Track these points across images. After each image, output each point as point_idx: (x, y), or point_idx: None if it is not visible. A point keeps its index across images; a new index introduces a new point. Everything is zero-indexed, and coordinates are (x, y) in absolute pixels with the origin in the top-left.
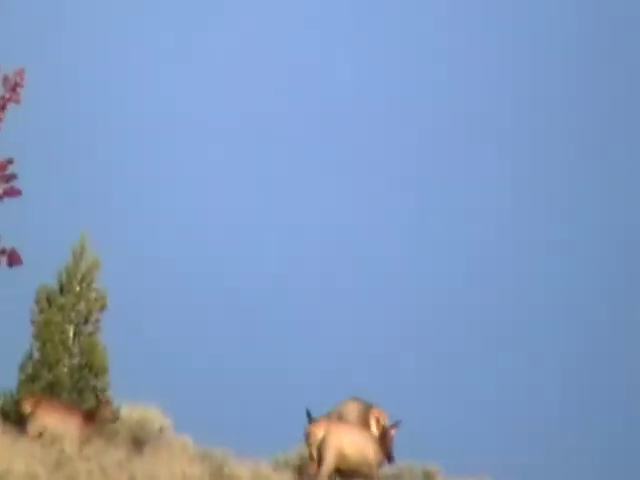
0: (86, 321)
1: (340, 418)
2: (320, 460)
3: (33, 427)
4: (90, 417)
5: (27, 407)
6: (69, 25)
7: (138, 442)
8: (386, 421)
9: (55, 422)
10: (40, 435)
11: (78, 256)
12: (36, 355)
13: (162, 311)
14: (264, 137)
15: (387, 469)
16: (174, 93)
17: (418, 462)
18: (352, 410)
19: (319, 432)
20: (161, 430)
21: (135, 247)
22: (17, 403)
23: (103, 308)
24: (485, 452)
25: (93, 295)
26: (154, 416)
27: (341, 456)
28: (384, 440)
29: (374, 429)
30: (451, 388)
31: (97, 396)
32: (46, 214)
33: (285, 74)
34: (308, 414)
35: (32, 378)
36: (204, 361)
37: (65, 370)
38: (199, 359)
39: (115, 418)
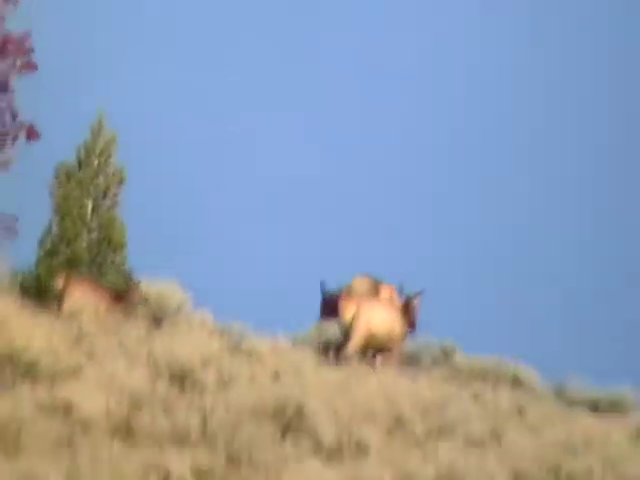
0: (104, 196)
1: (350, 293)
2: (348, 337)
3: (65, 304)
4: (119, 297)
5: (59, 284)
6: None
7: (157, 318)
8: (395, 296)
9: (85, 300)
10: (72, 312)
11: (96, 132)
12: (55, 230)
13: (179, 185)
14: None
15: (406, 347)
16: None
17: (436, 339)
18: (362, 285)
19: (350, 308)
20: (179, 307)
21: (152, 123)
22: (37, 278)
23: (121, 182)
24: (501, 329)
25: (111, 170)
26: (173, 292)
27: (370, 334)
28: (408, 311)
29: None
30: (468, 264)
31: (126, 278)
32: (63, 90)
33: None
34: (322, 288)
35: (51, 253)
36: (220, 236)
37: (84, 245)
38: (215, 234)
39: (144, 301)
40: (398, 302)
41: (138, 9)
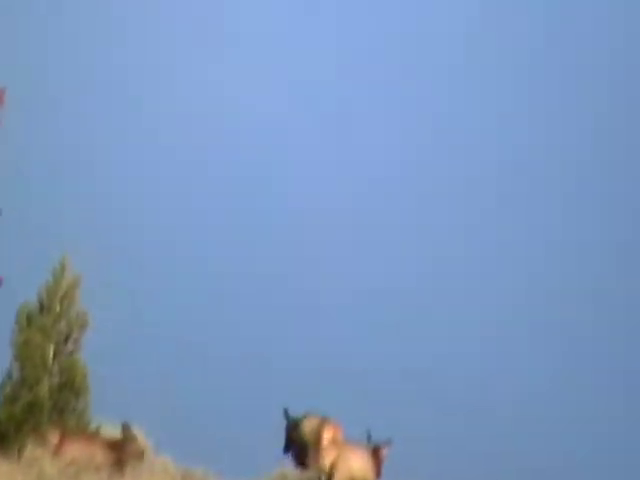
0: (66, 340)
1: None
2: None
3: (62, 459)
4: (114, 448)
5: (53, 440)
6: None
7: (119, 463)
8: (340, 436)
9: (81, 453)
10: (68, 465)
11: (58, 275)
12: (16, 375)
13: (144, 332)
14: None
15: None
16: None
17: None
18: (310, 424)
19: (330, 455)
20: (142, 453)
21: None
22: None
23: (84, 327)
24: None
25: (73, 314)
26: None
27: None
28: (376, 458)
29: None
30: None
31: (124, 431)
32: (25, 233)
33: None
34: (286, 414)
35: (11, 399)
36: (184, 381)
37: (45, 390)
38: (180, 380)
39: (142, 454)
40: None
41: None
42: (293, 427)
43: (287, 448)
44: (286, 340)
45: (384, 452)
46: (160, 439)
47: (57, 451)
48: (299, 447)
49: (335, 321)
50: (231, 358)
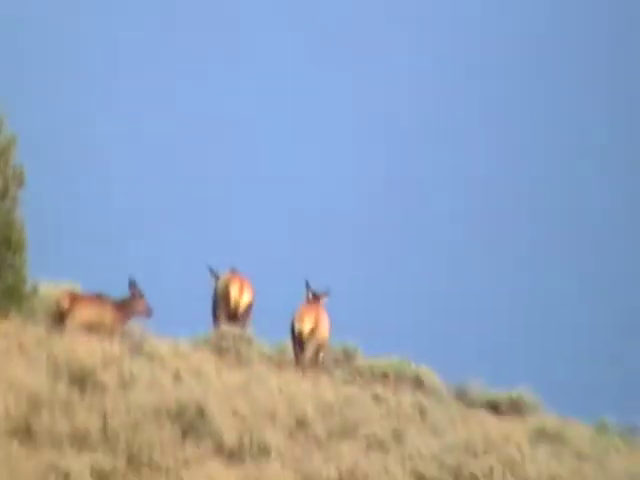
0: (3, 197)
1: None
2: (303, 348)
3: (72, 322)
4: (123, 309)
5: (64, 303)
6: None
7: (57, 320)
8: (248, 288)
9: (91, 315)
10: (85, 328)
11: None
12: None
13: (82, 184)
14: None
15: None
16: None
17: (337, 340)
18: (222, 280)
19: (309, 317)
20: (151, 310)
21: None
22: None
23: (20, 184)
24: (402, 331)
25: (10, 171)
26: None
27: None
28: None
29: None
30: (369, 265)
31: (131, 289)
32: None
33: None
34: (211, 271)
35: None
36: (122, 237)
37: None
38: (118, 234)
39: (149, 312)
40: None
41: None
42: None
43: (214, 304)
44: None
45: (323, 301)
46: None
47: (68, 314)
48: (214, 303)
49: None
50: (168, 216)
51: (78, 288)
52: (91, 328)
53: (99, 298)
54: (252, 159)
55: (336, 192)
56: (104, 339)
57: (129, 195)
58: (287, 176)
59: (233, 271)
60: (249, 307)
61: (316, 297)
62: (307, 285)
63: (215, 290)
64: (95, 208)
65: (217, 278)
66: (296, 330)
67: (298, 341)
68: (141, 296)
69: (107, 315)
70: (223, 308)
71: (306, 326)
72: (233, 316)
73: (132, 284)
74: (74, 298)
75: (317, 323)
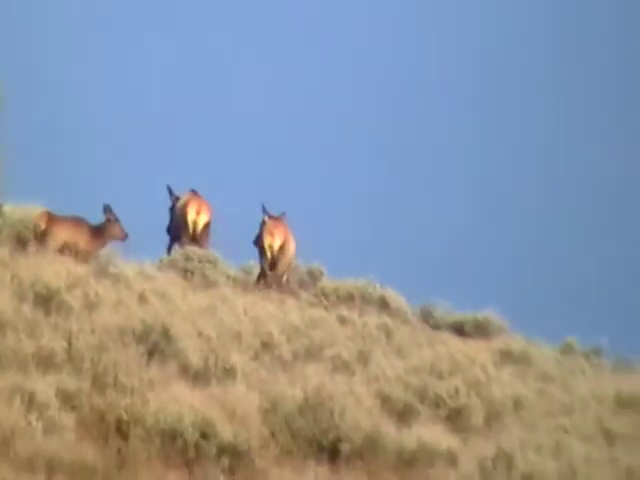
0: None
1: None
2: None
3: (48, 242)
4: (97, 233)
5: (41, 224)
6: None
7: (22, 241)
8: (206, 210)
9: (66, 236)
10: (61, 250)
11: None
12: None
13: (51, 107)
14: None
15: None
16: None
17: (302, 262)
18: (180, 201)
19: (279, 235)
20: (126, 235)
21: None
22: None
23: None
24: (368, 252)
25: None
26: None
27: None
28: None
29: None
30: (335, 186)
31: (106, 214)
32: None
33: None
34: (170, 191)
35: None
36: (88, 158)
37: None
38: (85, 156)
39: (125, 236)
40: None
41: None
42: (174, 204)
43: (170, 223)
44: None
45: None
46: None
47: (45, 235)
48: (172, 223)
49: None
50: (135, 142)
51: (42, 208)
52: (66, 249)
53: (76, 220)
54: (218, 90)
55: (298, 117)
56: (78, 261)
57: (99, 118)
58: (254, 105)
59: (193, 193)
60: (207, 227)
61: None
62: (263, 209)
63: (174, 210)
64: (65, 132)
65: (177, 199)
66: (265, 244)
67: (267, 256)
68: (116, 220)
69: (83, 238)
70: (183, 229)
71: (276, 241)
72: (192, 237)
73: (107, 209)
74: (51, 218)
75: (286, 239)
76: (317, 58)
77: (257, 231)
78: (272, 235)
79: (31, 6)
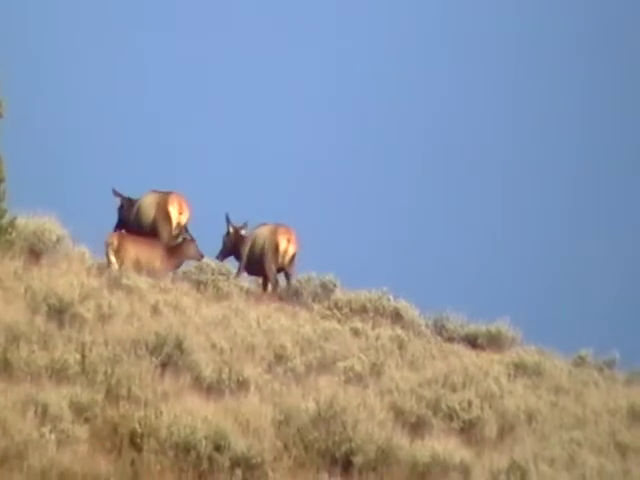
0: None
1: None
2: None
3: (123, 261)
4: (173, 252)
5: (114, 242)
6: None
7: (35, 253)
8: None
9: (139, 256)
10: (132, 267)
11: None
12: None
13: (60, 122)
14: None
15: (285, 282)
16: None
17: (316, 274)
18: (148, 198)
19: (292, 246)
20: (58, 242)
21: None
22: None
23: None
24: (381, 265)
25: None
26: (51, 227)
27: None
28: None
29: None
30: (348, 200)
31: (182, 234)
32: None
33: None
34: (227, 220)
35: None
36: (103, 172)
37: None
38: (98, 170)
39: (201, 256)
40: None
41: None
42: (128, 205)
43: (119, 223)
44: None
45: (241, 232)
46: (76, 230)
47: (117, 254)
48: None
49: None
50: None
51: (55, 220)
52: (139, 268)
53: (150, 241)
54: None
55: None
56: (155, 279)
57: (104, 123)
58: (261, 111)
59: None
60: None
61: (237, 230)
62: (227, 219)
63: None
64: (69, 138)
65: (235, 230)
66: (281, 250)
67: (278, 262)
68: (192, 240)
69: (157, 257)
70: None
71: (291, 248)
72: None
73: (184, 229)
74: (123, 238)
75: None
76: (321, 59)
77: (226, 239)
78: (289, 242)
79: (30, 7)
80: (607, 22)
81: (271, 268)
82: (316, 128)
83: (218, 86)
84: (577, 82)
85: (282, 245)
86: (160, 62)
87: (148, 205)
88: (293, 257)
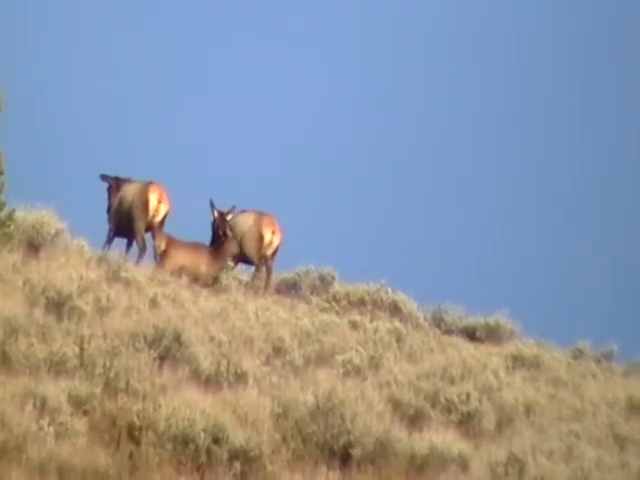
0: None
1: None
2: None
3: (168, 265)
4: (217, 254)
5: (161, 245)
6: None
7: (34, 246)
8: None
9: (185, 260)
10: (177, 272)
11: None
12: None
13: (56, 113)
14: None
15: (284, 274)
16: None
17: (314, 267)
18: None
19: (277, 237)
20: (56, 235)
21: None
22: None
23: None
24: (379, 257)
25: None
26: (50, 219)
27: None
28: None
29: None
30: (345, 193)
31: (224, 233)
32: None
33: None
34: (212, 205)
35: None
36: (100, 164)
37: None
38: (96, 161)
39: (237, 251)
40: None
41: None
42: (115, 187)
43: (109, 209)
44: None
45: (228, 217)
46: (75, 222)
47: (163, 257)
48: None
49: None
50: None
51: (53, 213)
52: (185, 273)
53: (195, 245)
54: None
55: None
56: (201, 284)
57: (101, 119)
58: (258, 105)
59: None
60: (277, 249)
61: (222, 215)
62: (211, 204)
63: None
64: (65, 134)
65: (220, 214)
66: (266, 240)
67: (262, 253)
68: (233, 238)
69: (203, 262)
70: (142, 218)
71: (276, 240)
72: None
73: (226, 229)
74: (171, 241)
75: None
76: (321, 59)
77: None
78: (273, 233)
79: (30, 7)
80: (607, 22)
81: (255, 258)
82: (315, 121)
83: (217, 81)
84: (577, 82)
85: (267, 237)
86: (159, 58)
87: (129, 193)
88: (277, 249)
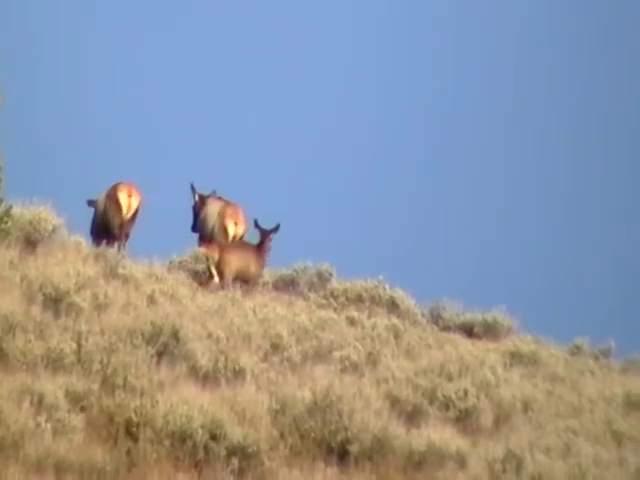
0: None
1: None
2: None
3: (228, 271)
4: (260, 252)
5: (215, 254)
6: None
7: (31, 242)
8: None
9: (239, 263)
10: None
11: None
12: None
13: (55, 109)
14: None
15: (282, 271)
16: None
17: (312, 264)
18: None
19: (240, 227)
20: (53, 231)
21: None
22: None
23: None
24: (377, 253)
25: None
26: (47, 216)
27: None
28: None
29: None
30: (344, 188)
31: (263, 229)
32: None
33: None
34: (192, 189)
35: None
36: (99, 159)
37: None
38: (94, 157)
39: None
40: None
41: None
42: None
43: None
44: None
45: (270, 237)
46: (72, 218)
47: (219, 266)
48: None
49: None
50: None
51: (51, 209)
52: (238, 276)
53: (242, 245)
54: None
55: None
56: (249, 287)
57: (101, 116)
58: (257, 104)
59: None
60: (136, 213)
61: (202, 199)
62: (192, 188)
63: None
64: (64, 130)
65: (201, 198)
66: (230, 232)
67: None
68: (269, 233)
69: (252, 261)
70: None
71: (240, 230)
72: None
73: (258, 224)
74: (222, 248)
75: (247, 227)
76: (321, 59)
77: (197, 215)
78: (236, 224)
79: (30, 7)
80: (607, 22)
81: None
82: (313, 119)
83: (217, 80)
84: (577, 82)
85: (230, 229)
86: (159, 54)
87: (101, 201)
88: (242, 238)
